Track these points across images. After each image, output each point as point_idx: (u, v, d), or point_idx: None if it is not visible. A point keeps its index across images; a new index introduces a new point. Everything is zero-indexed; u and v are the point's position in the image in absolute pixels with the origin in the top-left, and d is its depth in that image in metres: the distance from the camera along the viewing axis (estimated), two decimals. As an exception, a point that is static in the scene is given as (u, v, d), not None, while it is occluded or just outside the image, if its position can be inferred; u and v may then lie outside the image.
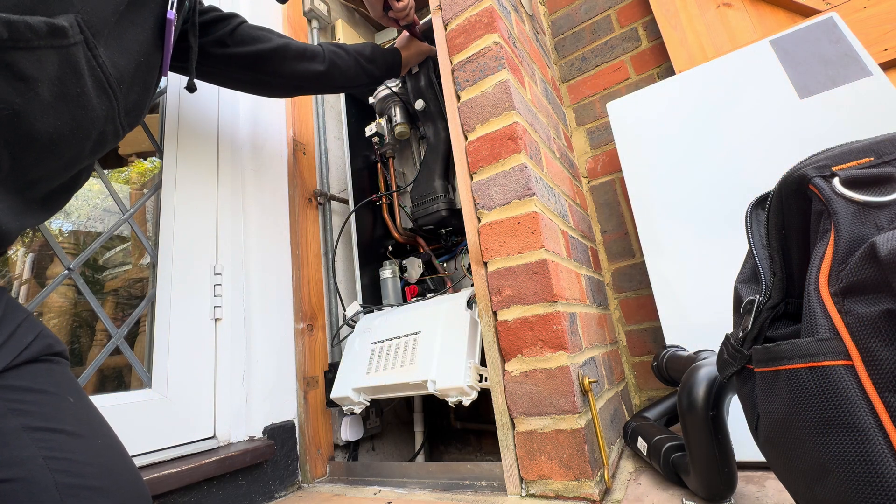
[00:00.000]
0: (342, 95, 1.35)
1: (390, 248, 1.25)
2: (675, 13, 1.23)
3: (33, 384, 0.40)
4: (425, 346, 0.88)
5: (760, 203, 0.43)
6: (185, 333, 0.88)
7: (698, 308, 0.88)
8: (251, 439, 0.90)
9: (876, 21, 0.98)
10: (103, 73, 0.49)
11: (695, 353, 0.71)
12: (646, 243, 0.97)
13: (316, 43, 1.40)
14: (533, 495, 0.67)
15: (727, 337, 0.44)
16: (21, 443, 0.35)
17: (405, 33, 1.10)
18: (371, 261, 1.23)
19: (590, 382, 0.68)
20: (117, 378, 0.83)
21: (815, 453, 0.32)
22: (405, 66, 1.08)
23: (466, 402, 0.80)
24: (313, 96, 1.35)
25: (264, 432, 0.93)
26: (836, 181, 0.34)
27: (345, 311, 1.14)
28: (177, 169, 0.95)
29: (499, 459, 0.73)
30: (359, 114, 1.36)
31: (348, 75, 0.97)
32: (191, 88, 0.76)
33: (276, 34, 0.89)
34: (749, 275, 0.44)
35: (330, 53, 0.95)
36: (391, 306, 1.11)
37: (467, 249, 0.84)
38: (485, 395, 0.81)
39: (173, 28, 0.62)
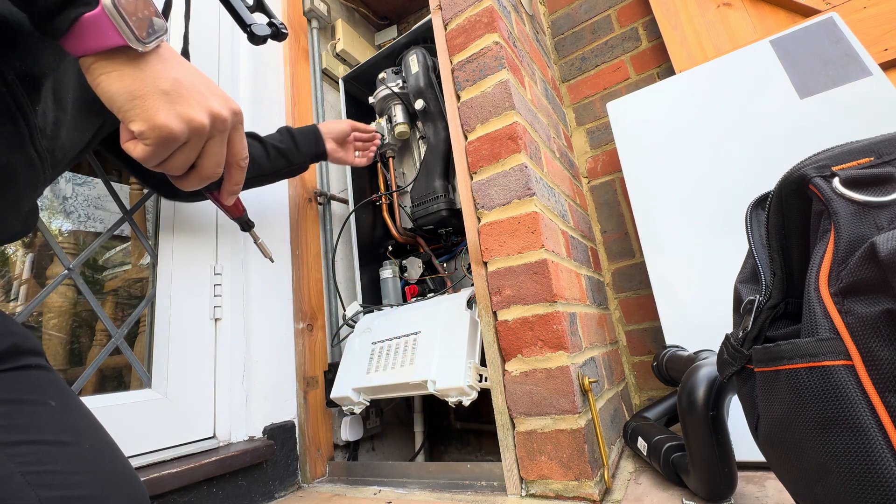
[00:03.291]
0: (342, 94, 1.35)
1: (390, 248, 1.25)
2: (675, 13, 1.23)
3: (4, 395, 0.36)
4: (425, 346, 0.88)
5: (760, 203, 0.43)
6: (185, 333, 0.88)
7: (698, 308, 0.88)
8: (251, 439, 0.90)
9: (876, 21, 0.98)
10: None
11: (695, 353, 0.71)
12: (646, 243, 0.97)
13: (317, 44, 1.40)
14: (533, 495, 0.67)
15: (727, 337, 0.44)
16: None
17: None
18: (371, 261, 1.23)
19: (590, 382, 0.68)
20: (117, 378, 0.83)
21: (815, 453, 0.32)
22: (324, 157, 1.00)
23: (466, 402, 0.80)
24: (313, 96, 1.35)
25: (264, 432, 0.92)
26: (836, 181, 0.34)
27: (345, 311, 1.14)
28: (177, 169, 0.95)
29: (499, 459, 0.72)
30: (359, 114, 1.36)
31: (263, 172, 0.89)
32: None
33: None
34: (749, 275, 0.44)
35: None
36: (391, 306, 1.11)
37: (467, 249, 0.84)
38: (485, 395, 0.80)
39: None
